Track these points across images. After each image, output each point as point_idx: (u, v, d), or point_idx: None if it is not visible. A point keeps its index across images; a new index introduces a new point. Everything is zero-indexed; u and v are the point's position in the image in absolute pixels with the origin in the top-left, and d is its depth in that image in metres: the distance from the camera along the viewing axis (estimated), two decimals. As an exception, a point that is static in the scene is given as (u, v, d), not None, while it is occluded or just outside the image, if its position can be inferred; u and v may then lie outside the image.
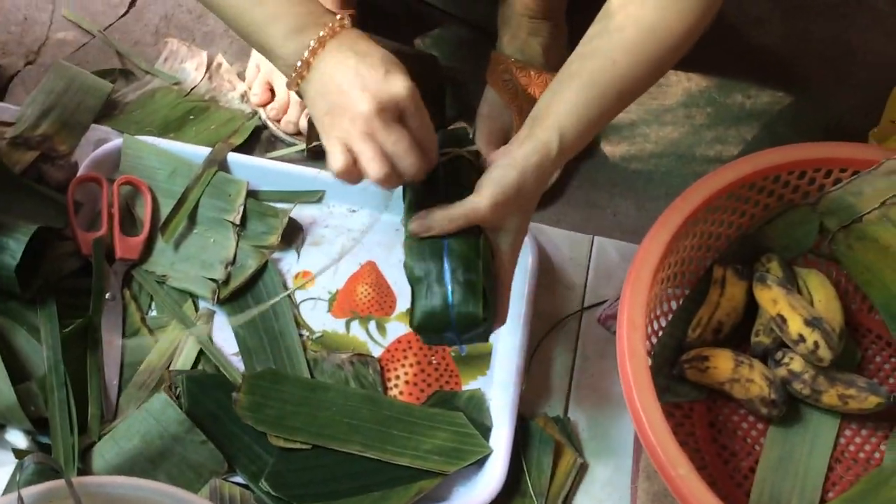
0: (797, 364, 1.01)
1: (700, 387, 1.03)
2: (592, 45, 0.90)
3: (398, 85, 0.81)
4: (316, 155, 1.19)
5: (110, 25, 1.29)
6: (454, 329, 0.84)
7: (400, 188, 0.88)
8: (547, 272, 1.12)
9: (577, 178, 1.22)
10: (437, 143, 0.85)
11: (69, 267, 1.05)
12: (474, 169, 0.88)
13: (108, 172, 1.10)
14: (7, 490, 0.92)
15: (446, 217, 0.83)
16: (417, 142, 0.82)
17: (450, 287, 0.83)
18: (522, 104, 1.19)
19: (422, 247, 0.84)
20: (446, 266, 0.83)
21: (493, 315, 0.86)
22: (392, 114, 0.81)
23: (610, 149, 1.25)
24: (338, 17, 0.84)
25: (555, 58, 1.22)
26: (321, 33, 0.83)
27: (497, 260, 0.87)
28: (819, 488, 0.99)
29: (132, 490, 0.84)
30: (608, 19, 0.90)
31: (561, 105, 0.87)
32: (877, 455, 1.02)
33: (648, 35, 0.88)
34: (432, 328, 0.84)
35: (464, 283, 0.82)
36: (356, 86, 0.81)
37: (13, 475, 0.93)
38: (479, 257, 0.83)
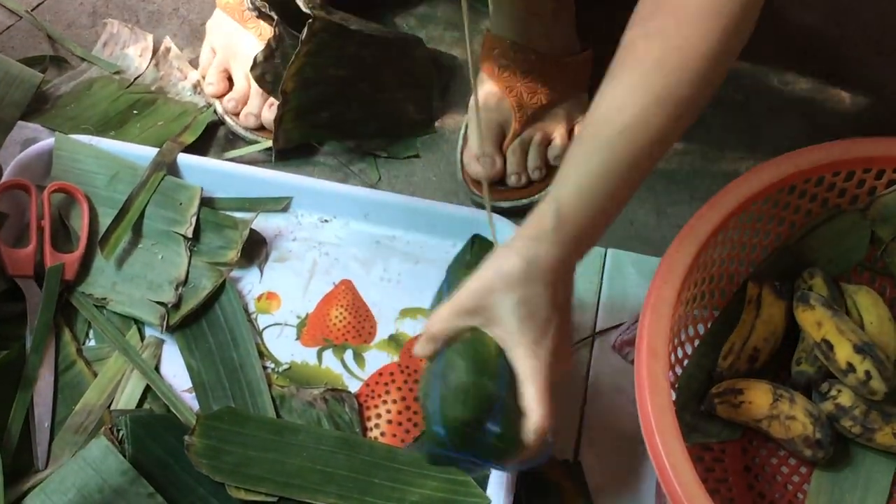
0: (846, 397, 1.00)
1: (733, 425, 1.03)
2: (595, 131, 0.87)
3: None
4: (282, 154, 1.19)
5: (39, 5, 1.28)
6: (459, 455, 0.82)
7: None
8: (553, 292, 1.11)
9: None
10: None
11: (-10, 290, 1.04)
12: None
13: (38, 178, 1.10)
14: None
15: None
16: None
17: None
18: (521, 94, 1.18)
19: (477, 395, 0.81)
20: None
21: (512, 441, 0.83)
22: None
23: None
24: None
25: (560, 39, 1.21)
26: None
27: (522, 380, 0.83)
28: (875, 542, 0.99)
29: (66, 554, 0.83)
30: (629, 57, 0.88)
31: (571, 195, 0.85)
32: (940, 503, 1.01)
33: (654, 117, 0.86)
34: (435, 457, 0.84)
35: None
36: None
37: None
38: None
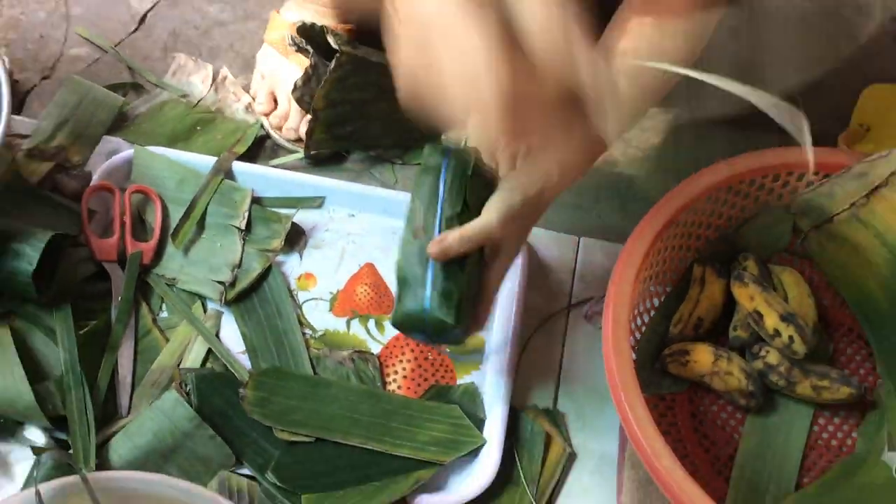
0: (773, 357, 1.00)
1: (681, 380, 1.03)
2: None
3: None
4: (316, 161, 1.19)
5: (121, 42, 1.28)
6: (427, 331, 0.86)
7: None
8: (536, 272, 1.11)
9: (563, 182, 1.21)
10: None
11: (83, 272, 1.04)
12: (478, 184, 0.88)
13: (120, 182, 1.10)
14: (25, 485, 0.92)
15: (460, 238, 0.83)
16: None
17: (428, 293, 0.84)
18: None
19: (413, 250, 0.85)
20: (430, 273, 0.85)
21: (470, 323, 0.88)
22: None
23: (594, 154, 1.24)
24: None
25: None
26: None
27: (488, 271, 0.88)
28: (795, 474, 0.98)
29: (145, 484, 0.83)
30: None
31: None
32: (849, 442, 1.01)
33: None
34: (408, 327, 0.87)
35: (441, 291, 0.84)
36: None
37: (31, 471, 0.92)
38: (462, 270, 0.85)
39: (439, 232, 0.85)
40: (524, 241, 0.91)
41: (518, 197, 0.86)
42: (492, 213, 0.85)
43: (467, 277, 0.86)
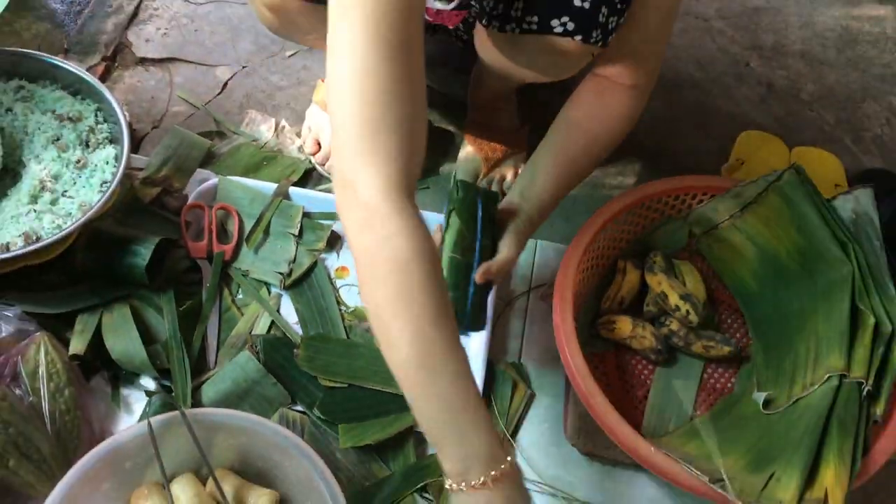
0: (675, 325, 1.00)
1: (609, 342, 1.03)
2: (559, 140, 0.90)
3: None
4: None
5: (209, 101, 1.27)
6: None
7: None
8: (506, 265, 1.11)
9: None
10: None
11: (182, 266, 1.03)
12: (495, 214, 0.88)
13: (209, 201, 1.09)
14: (140, 419, 0.91)
15: (497, 272, 0.83)
16: None
17: (469, 304, 0.83)
18: (487, 153, 1.19)
19: (461, 264, 0.84)
20: (471, 289, 0.83)
21: (474, 323, 0.86)
22: None
23: (548, 181, 1.24)
24: (502, 465, 0.66)
25: (508, 123, 1.22)
26: (482, 479, 0.65)
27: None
28: (690, 408, 0.98)
29: (227, 417, 0.83)
30: (568, 123, 0.91)
31: (537, 192, 0.89)
32: (729, 386, 1.01)
33: (594, 141, 0.90)
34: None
35: (474, 304, 0.84)
36: None
37: (144, 408, 0.92)
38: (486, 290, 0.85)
39: (478, 253, 0.84)
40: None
41: (522, 237, 0.86)
42: (513, 249, 0.85)
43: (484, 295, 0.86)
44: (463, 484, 0.66)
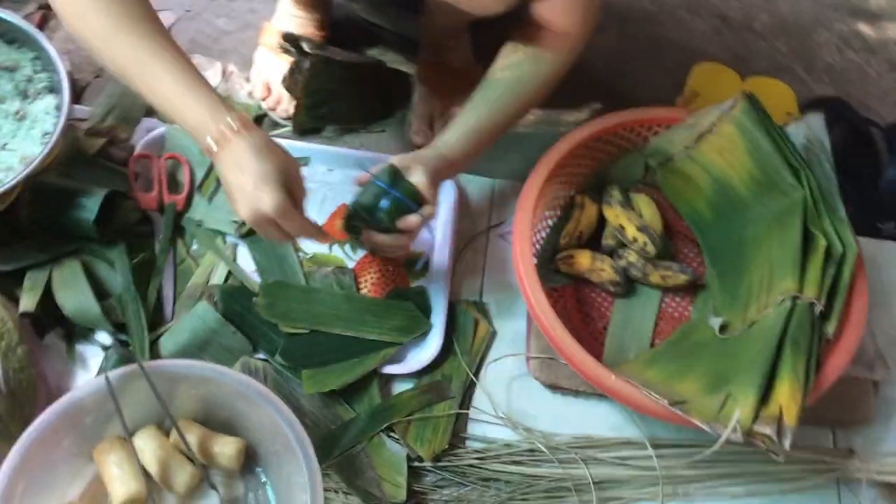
0: (633, 257, 1.01)
1: (569, 276, 1.03)
2: (483, 95, 0.92)
3: (266, 202, 0.74)
4: (302, 133, 1.16)
5: (152, 48, 1.23)
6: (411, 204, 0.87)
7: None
8: (464, 206, 1.10)
9: (481, 140, 1.20)
10: (314, 228, 0.81)
11: (132, 218, 1.01)
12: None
13: (157, 150, 1.06)
14: (98, 374, 0.90)
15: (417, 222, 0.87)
16: (299, 233, 0.78)
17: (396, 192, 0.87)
18: (442, 94, 1.17)
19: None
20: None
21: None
22: (266, 221, 0.75)
23: (503, 119, 1.23)
24: (235, 123, 0.73)
25: (462, 60, 1.19)
26: (208, 139, 0.74)
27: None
28: (649, 337, 1.00)
29: (187, 368, 0.82)
30: (493, 78, 0.92)
31: (455, 133, 0.90)
32: (686, 314, 1.03)
33: (520, 93, 0.92)
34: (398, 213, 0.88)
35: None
36: (238, 196, 0.75)
37: (101, 363, 0.91)
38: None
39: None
40: (438, 193, 0.91)
41: (431, 168, 0.87)
42: (421, 178, 0.86)
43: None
44: (210, 144, 0.74)
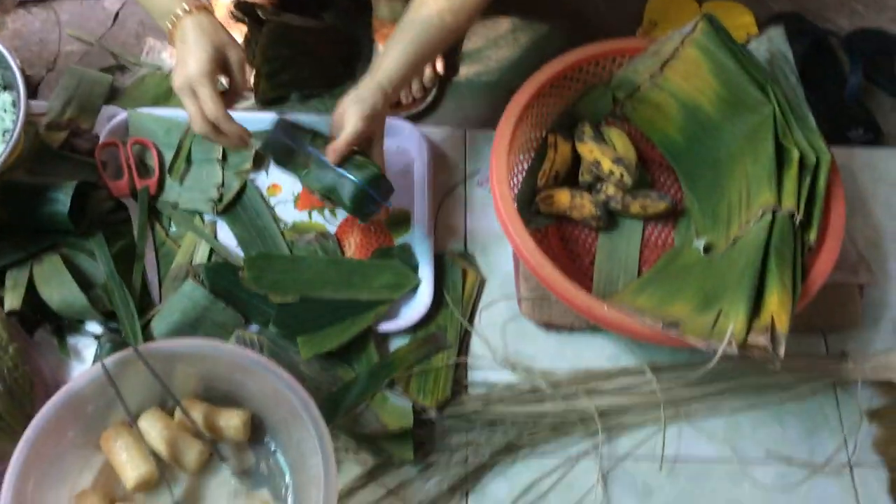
0: (611, 190, 1.02)
1: (550, 216, 1.04)
2: (410, 19, 0.89)
3: (191, 65, 0.81)
4: (265, 103, 1.14)
5: (103, 35, 1.20)
6: (373, 192, 0.87)
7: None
8: (438, 158, 1.10)
9: (448, 93, 1.20)
10: (222, 109, 0.83)
11: (106, 207, 1.00)
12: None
13: (122, 137, 1.05)
14: (94, 362, 0.90)
15: (344, 143, 0.85)
16: (205, 106, 0.82)
17: (352, 176, 0.86)
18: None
19: (316, 175, 0.87)
20: (341, 170, 0.86)
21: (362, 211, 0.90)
22: (188, 87, 0.82)
23: (466, 69, 1.22)
24: (187, 5, 0.83)
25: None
26: (168, 27, 0.84)
27: (373, 152, 0.89)
28: (636, 267, 1.01)
29: (183, 347, 0.82)
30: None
31: (393, 53, 0.88)
32: (669, 240, 1.04)
33: (447, 17, 0.89)
34: (361, 204, 0.87)
35: (358, 166, 0.86)
36: (176, 66, 0.83)
37: (96, 352, 0.91)
38: (356, 155, 0.87)
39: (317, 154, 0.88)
40: (382, 131, 0.90)
41: (366, 102, 0.86)
42: (351, 118, 0.85)
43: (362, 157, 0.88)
44: (169, 27, 0.83)
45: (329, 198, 0.88)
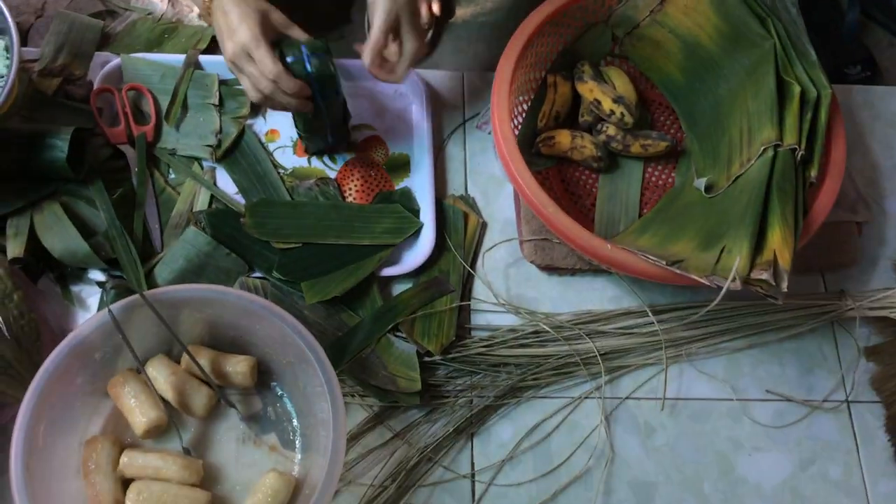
0: (611, 130, 1.01)
1: (551, 157, 1.03)
2: None
3: (242, 34, 0.83)
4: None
5: (91, -19, 1.18)
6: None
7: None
8: (436, 102, 1.09)
9: (445, 36, 1.17)
10: (280, 67, 0.85)
11: (104, 154, 0.98)
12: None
13: (116, 83, 1.03)
14: (98, 310, 0.90)
15: (372, 47, 0.87)
16: (263, 68, 0.84)
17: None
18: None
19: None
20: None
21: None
22: (243, 54, 0.85)
23: (462, 11, 1.19)
24: None
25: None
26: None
27: (405, 45, 0.90)
28: (637, 207, 1.01)
29: (189, 292, 0.82)
30: None
31: None
32: (670, 181, 1.04)
33: None
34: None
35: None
36: (223, 37, 0.85)
37: (101, 298, 0.90)
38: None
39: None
40: (415, 19, 0.89)
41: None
42: (377, 12, 0.86)
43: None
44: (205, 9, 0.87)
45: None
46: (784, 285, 0.78)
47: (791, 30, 0.92)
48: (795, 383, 0.96)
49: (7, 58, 0.91)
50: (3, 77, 0.90)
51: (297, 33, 0.88)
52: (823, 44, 1.18)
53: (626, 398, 0.94)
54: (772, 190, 0.84)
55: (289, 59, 0.86)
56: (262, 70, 0.84)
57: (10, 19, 0.91)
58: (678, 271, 0.80)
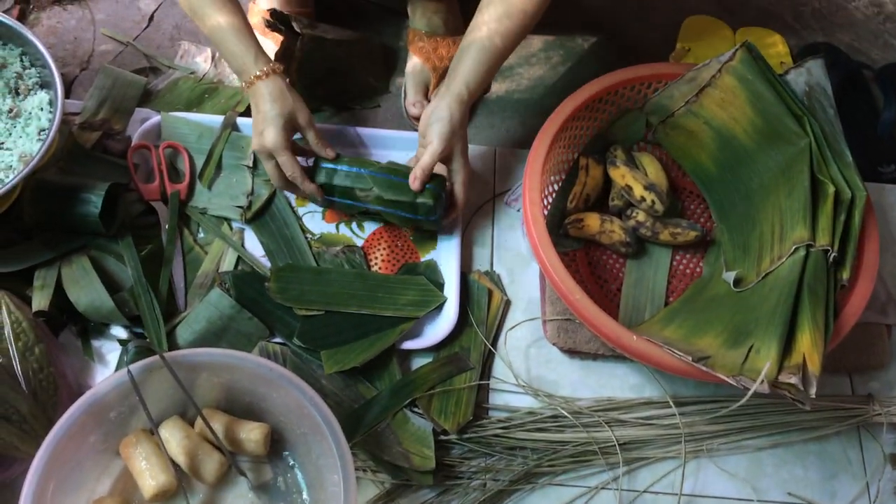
0: (641, 216, 1.01)
1: (579, 240, 1.03)
2: (469, 42, 0.93)
3: (267, 138, 0.91)
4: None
5: (137, 36, 1.20)
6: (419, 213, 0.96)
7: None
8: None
9: (479, 110, 1.19)
10: (299, 171, 0.94)
11: (136, 210, 0.99)
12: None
13: (154, 140, 1.04)
14: (117, 369, 0.89)
15: (423, 169, 0.93)
16: (284, 169, 0.93)
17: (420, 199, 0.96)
18: (434, 62, 1.15)
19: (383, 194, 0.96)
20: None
21: (445, 208, 0.98)
22: (267, 153, 0.93)
23: (497, 86, 1.22)
24: (262, 70, 0.91)
25: (452, 25, 1.18)
26: (243, 83, 0.93)
27: (454, 176, 0.96)
28: (663, 296, 1.00)
29: (207, 356, 0.81)
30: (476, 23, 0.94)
31: (463, 67, 0.93)
32: (698, 270, 1.03)
33: (513, 19, 0.92)
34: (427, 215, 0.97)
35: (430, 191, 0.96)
36: (253, 130, 0.93)
37: (120, 357, 0.90)
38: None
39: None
40: (466, 149, 0.96)
41: (445, 118, 0.92)
42: (431, 137, 0.92)
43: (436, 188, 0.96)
44: (244, 84, 0.92)
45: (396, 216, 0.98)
46: (812, 391, 0.76)
47: (827, 129, 0.92)
48: (818, 488, 0.93)
49: (51, 111, 0.93)
50: (45, 131, 0.91)
51: (313, 135, 0.96)
52: (857, 142, 1.17)
53: (644, 491, 0.91)
54: (803, 290, 0.82)
55: (318, 180, 0.97)
56: (284, 171, 0.93)
57: (56, 74, 0.93)
58: (705, 369, 0.79)
